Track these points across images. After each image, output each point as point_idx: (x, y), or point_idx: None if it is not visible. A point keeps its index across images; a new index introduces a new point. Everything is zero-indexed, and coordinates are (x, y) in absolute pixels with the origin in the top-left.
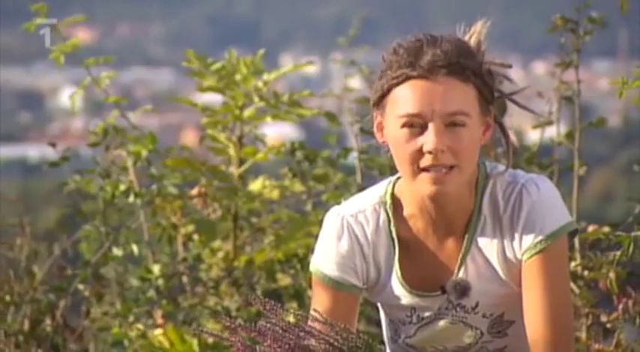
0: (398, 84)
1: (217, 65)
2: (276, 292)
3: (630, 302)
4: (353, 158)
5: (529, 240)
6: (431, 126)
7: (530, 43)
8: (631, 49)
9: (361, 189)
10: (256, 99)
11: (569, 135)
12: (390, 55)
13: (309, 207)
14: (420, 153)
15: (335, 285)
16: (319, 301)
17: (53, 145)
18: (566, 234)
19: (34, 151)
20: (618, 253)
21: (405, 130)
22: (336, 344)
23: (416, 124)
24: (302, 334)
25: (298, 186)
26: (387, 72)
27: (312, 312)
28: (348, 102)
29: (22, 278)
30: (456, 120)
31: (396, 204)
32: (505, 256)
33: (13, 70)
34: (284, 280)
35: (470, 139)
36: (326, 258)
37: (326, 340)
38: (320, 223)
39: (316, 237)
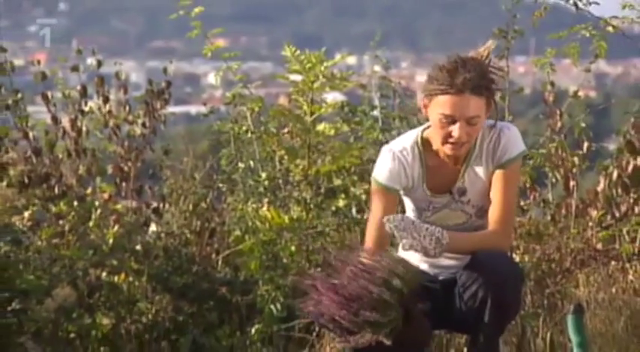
0: (441, 93)
1: (300, 55)
2: (332, 189)
3: (537, 194)
4: (377, 112)
5: (502, 160)
6: (458, 123)
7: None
8: (536, 49)
9: (382, 130)
10: (321, 77)
11: (502, 98)
12: (437, 70)
13: (352, 140)
14: (449, 135)
15: (386, 190)
16: (377, 199)
17: (205, 105)
18: (521, 158)
19: (194, 109)
20: (531, 162)
21: (443, 121)
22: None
23: (449, 119)
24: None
25: (345, 127)
26: (434, 81)
27: (371, 214)
28: (374, 79)
29: (188, 180)
30: (473, 120)
31: (425, 143)
32: (488, 171)
33: (180, 63)
34: (337, 181)
35: (478, 127)
36: (382, 174)
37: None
38: (359, 150)
39: (357, 157)
